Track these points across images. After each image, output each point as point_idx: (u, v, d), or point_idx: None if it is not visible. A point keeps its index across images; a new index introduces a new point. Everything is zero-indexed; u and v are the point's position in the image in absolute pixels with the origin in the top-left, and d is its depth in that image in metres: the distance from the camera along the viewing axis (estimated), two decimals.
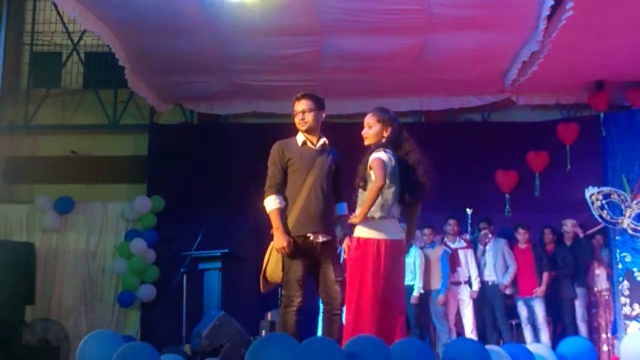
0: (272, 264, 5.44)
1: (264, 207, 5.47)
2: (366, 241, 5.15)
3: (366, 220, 5.15)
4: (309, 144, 5.59)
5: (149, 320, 10.62)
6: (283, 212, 5.38)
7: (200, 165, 10.83)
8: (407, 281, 9.17)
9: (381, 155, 5.25)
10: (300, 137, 5.61)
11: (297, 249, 5.28)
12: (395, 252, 5.20)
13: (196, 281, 8.74)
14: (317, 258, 5.34)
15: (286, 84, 10.17)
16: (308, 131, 5.58)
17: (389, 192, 5.22)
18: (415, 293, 9.26)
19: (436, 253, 9.51)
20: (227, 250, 8.75)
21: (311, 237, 5.32)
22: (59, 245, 10.97)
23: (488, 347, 4.80)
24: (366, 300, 5.02)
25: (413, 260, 9.33)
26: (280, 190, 5.45)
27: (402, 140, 5.43)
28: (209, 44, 9.03)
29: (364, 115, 11.48)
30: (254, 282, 10.40)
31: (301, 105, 5.57)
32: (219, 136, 11.16)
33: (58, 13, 11.57)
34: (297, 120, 5.59)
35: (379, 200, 5.16)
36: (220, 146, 10.99)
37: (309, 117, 5.56)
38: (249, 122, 11.36)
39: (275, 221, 5.34)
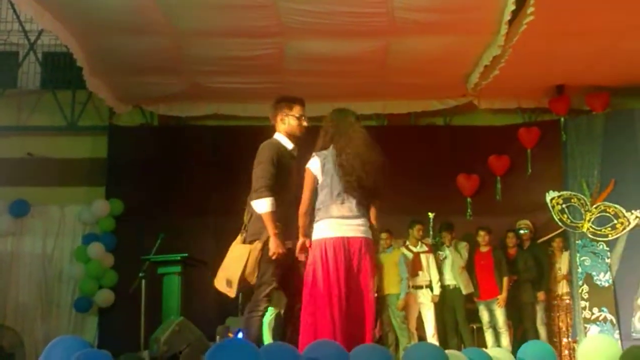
0: (250, 268, 5.23)
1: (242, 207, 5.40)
2: (313, 243, 5.09)
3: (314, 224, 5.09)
4: (291, 148, 5.48)
5: (107, 325, 10.43)
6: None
7: (160, 167, 10.68)
8: None
9: (309, 163, 5.17)
10: (288, 141, 5.48)
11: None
12: (343, 249, 5.03)
13: (155, 286, 8.60)
14: (291, 264, 5.25)
15: (248, 86, 10.11)
16: (299, 137, 5.49)
17: (323, 194, 5.11)
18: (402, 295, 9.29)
19: (393, 257, 9.52)
20: (187, 255, 8.63)
21: (290, 244, 5.22)
22: (14, 249, 10.74)
23: (448, 351, 4.76)
24: (321, 300, 4.94)
25: None
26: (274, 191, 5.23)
27: (338, 137, 5.23)
28: (168, 44, 8.90)
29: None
30: (214, 286, 10.42)
31: (303, 110, 5.47)
32: (179, 138, 11.03)
33: (15, 11, 11.31)
34: (296, 123, 5.43)
35: (317, 203, 5.09)
36: (181, 148, 10.86)
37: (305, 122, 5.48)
38: (210, 124, 11.22)
39: (271, 226, 5.14)
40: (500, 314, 9.73)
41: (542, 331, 9.99)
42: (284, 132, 5.49)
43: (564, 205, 9.81)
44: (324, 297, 4.95)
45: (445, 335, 9.80)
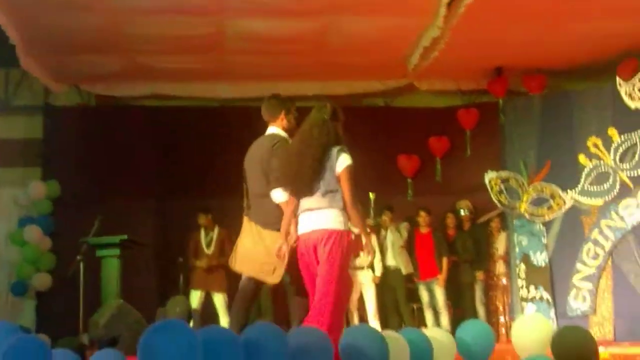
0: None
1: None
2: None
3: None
4: None
5: (45, 309, 10.23)
6: None
7: (98, 148, 10.46)
8: None
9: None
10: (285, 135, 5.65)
11: None
12: (301, 245, 5.18)
13: (94, 269, 8.46)
14: None
15: (188, 65, 9.99)
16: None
17: None
18: None
19: None
20: (126, 237, 8.50)
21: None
22: None
23: (386, 332, 4.79)
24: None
25: None
26: None
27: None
28: (106, 22, 8.69)
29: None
30: (155, 269, 10.32)
31: None
32: (118, 118, 10.82)
33: None
34: (295, 123, 5.61)
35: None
36: (119, 129, 10.65)
37: None
38: (149, 104, 11.05)
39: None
40: (439, 294, 9.87)
41: (480, 310, 10.17)
42: (282, 127, 5.67)
43: (502, 186, 9.95)
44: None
45: (386, 315, 9.90)
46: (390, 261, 9.89)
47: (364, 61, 9.84)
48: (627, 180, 9.23)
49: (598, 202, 9.39)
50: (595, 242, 9.30)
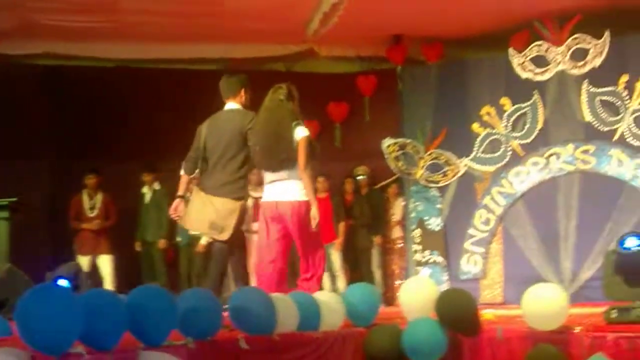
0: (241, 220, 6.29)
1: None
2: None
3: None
4: None
5: None
6: None
7: None
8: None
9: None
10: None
11: None
12: (268, 210, 6.07)
13: None
14: None
15: (83, 24, 9.70)
16: None
17: None
18: (203, 241, 9.29)
19: None
20: (15, 199, 8.25)
21: None
22: None
23: (274, 295, 4.84)
24: None
25: None
26: None
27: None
28: None
29: (170, 60, 11.18)
30: (47, 232, 10.08)
31: None
32: (10, 77, 10.42)
33: None
34: (248, 95, 6.36)
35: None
36: (11, 88, 10.27)
37: None
38: (43, 63, 10.70)
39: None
40: (336, 258, 10.00)
41: (377, 274, 10.36)
42: (241, 104, 6.32)
43: (399, 152, 10.08)
44: None
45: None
46: None
47: (264, 25, 9.76)
48: (518, 148, 9.51)
49: (490, 169, 9.65)
50: (487, 208, 9.57)
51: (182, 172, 6.45)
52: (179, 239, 10.01)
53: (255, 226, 9.61)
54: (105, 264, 9.59)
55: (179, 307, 4.28)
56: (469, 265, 9.62)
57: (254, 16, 9.44)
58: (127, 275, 9.81)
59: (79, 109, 10.33)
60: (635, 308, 4.93)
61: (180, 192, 6.39)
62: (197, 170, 6.33)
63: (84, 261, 9.40)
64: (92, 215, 9.70)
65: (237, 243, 6.62)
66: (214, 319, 4.42)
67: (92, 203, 9.75)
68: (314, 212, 5.93)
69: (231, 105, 6.32)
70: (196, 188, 6.31)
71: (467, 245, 9.65)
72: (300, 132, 6.02)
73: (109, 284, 9.43)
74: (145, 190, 10.23)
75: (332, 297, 5.22)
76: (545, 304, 4.92)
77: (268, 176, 6.10)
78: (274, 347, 4.67)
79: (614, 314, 5.05)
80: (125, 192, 10.24)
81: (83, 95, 10.34)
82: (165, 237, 10.01)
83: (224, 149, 6.17)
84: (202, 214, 6.15)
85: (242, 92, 6.34)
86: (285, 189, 6.00)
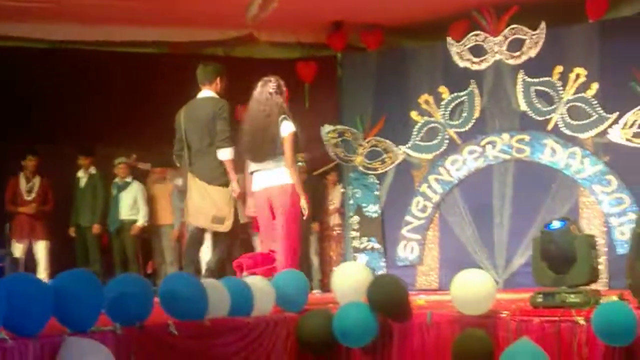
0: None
1: None
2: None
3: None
4: None
5: None
6: None
7: None
8: (128, 216, 9.23)
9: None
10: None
11: None
12: (257, 199, 6.40)
13: None
14: None
15: (18, 4, 9.45)
16: None
17: None
18: (139, 223, 9.26)
19: (166, 189, 9.48)
20: None
21: None
22: None
23: (205, 280, 4.83)
24: None
25: (134, 195, 9.31)
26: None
27: None
28: None
29: (107, 43, 10.95)
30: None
31: None
32: None
33: None
34: (223, 83, 6.88)
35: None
36: None
37: None
38: None
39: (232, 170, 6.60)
40: None
41: (315, 261, 10.39)
42: (216, 91, 6.75)
43: (338, 139, 10.12)
44: None
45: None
46: None
47: (203, 9, 9.65)
48: (455, 137, 9.62)
49: (428, 156, 9.74)
50: (424, 196, 9.66)
51: (177, 165, 6.94)
52: (109, 224, 9.87)
53: None
54: (41, 249, 9.44)
55: (108, 292, 4.24)
56: (406, 251, 9.72)
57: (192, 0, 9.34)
58: (61, 261, 9.66)
59: (14, 91, 10.10)
60: (559, 293, 5.05)
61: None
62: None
63: (18, 247, 9.24)
64: (29, 198, 9.53)
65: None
66: (143, 305, 4.38)
67: (29, 186, 9.57)
68: (304, 203, 6.28)
69: (206, 92, 6.70)
70: (190, 175, 6.59)
71: (404, 232, 9.74)
72: (287, 128, 6.30)
73: (43, 269, 9.29)
74: (81, 174, 10.09)
75: (264, 283, 5.23)
76: (473, 289, 5.00)
77: (252, 166, 6.37)
78: (204, 332, 4.66)
79: (539, 299, 5.16)
80: (61, 176, 10.08)
81: (18, 76, 10.12)
82: (100, 222, 9.87)
83: (201, 135, 6.53)
84: (203, 208, 6.51)
85: (218, 80, 6.75)
86: (272, 176, 6.27)
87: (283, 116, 6.35)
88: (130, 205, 9.54)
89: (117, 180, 9.97)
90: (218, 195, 6.47)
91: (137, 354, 4.21)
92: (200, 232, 6.73)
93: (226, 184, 6.50)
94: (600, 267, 6.10)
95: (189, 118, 6.60)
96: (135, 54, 10.57)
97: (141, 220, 9.42)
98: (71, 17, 9.97)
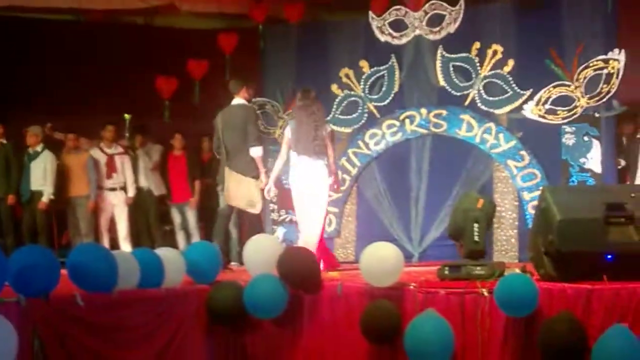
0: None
1: None
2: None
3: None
4: None
5: None
6: None
7: None
8: (39, 186, 9.07)
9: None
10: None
11: None
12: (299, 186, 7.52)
13: None
14: None
15: None
16: None
17: None
18: (45, 199, 9.08)
19: (80, 159, 9.34)
20: None
21: None
22: None
23: (117, 252, 4.80)
24: None
25: (44, 165, 9.15)
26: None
27: None
28: None
29: (23, 8, 10.61)
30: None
31: None
32: None
33: None
34: (250, 91, 8.42)
35: None
36: None
37: None
38: None
39: (261, 165, 8.08)
40: (191, 216, 9.98)
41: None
42: (244, 98, 8.16)
43: (259, 112, 10.07)
44: None
45: (138, 236, 9.87)
46: (143, 183, 9.83)
47: None
48: (375, 110, 9.70)
49: (347, 130, 9.80)
50: (343, 169, 9.71)
51: (218, 157, 8.16)
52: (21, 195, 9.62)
53: (110, 182, 9.53)
54: None
55: (12, 263, 4.18)
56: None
57: None
58: None
59: None
60: (465, 266, 5.17)
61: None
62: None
63: None
64: None
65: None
66: (49, 277, 4.34)
67: None
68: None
69: (237, 100, 8.11)
70: (227, 169, 7.85)
71: None
72: (328, 128, 7.74)
73: None
74: None
75: (175, 254, 5.21)
76: (381, 261, 5.09)
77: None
78: (112, 303, 4.64)
79: (446, 272, 5.28)
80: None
81: None
82: (14, 193, 9.60)
83: (236, 136, 7.84)
84: (240, 192, 7.77)
85: (244, 89, 8.14)
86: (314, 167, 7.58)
87: (324, 119, 7.83)
88: (41, 175, 9.26)
89: (29, 149, 9.72)
90: (251, 185, 7.74)
91: (41, 325, 4.17)
92: (231, 209, 8.08)
93: (257, 176, 7.77)
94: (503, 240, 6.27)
95: (225, 122, 7.95)
96: (52, 21, 10.32)
97: (45, 196, 9.15)
98: None
